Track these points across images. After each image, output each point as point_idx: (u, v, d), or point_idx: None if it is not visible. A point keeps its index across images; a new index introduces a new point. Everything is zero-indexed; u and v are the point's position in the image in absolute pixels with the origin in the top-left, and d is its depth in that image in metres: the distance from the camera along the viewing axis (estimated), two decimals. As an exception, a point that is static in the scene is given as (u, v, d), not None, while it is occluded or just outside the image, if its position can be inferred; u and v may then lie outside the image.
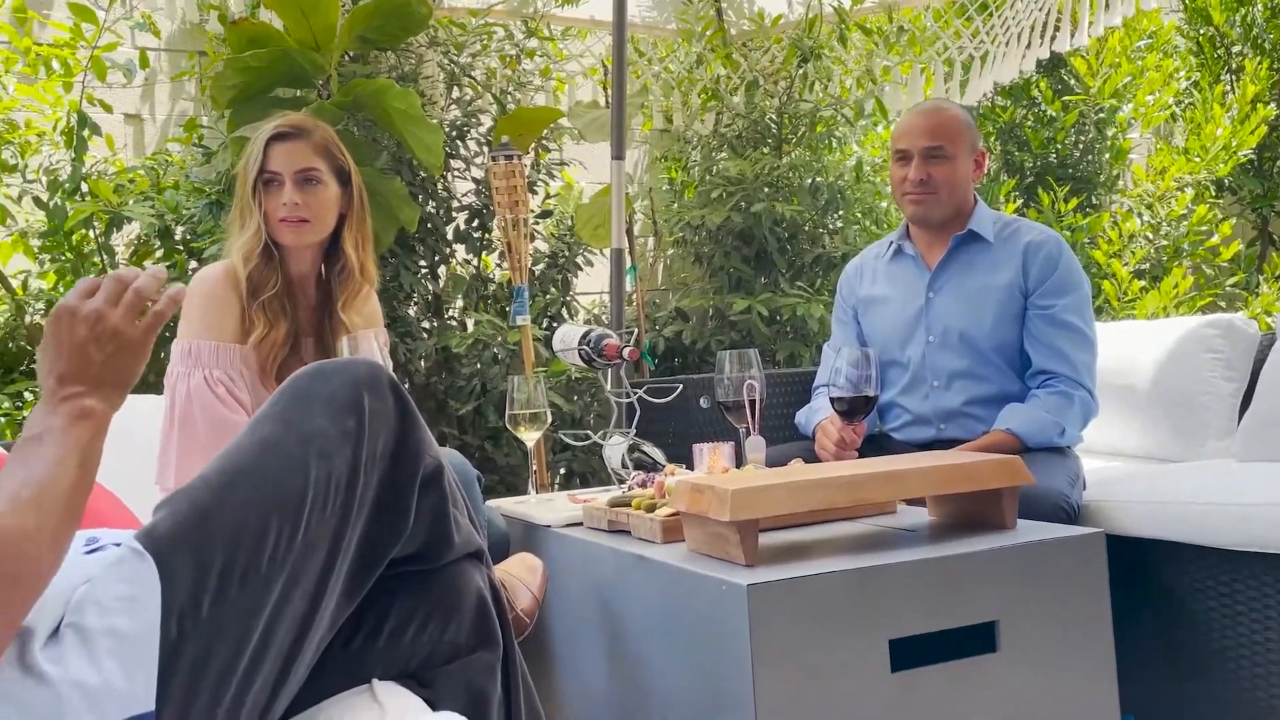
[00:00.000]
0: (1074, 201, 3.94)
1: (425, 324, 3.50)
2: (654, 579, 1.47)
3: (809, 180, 3.69)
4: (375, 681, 1.09)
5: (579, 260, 3.62)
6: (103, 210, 3.07)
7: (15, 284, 3.18)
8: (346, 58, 3.32)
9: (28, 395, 2.87)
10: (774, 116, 3.77)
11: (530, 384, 2.07)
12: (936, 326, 2.30)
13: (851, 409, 2.06)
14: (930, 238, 2.36)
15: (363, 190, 2.12)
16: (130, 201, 3.15)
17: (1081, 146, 4.16)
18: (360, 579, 1.09)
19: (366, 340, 1.83)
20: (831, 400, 2.08)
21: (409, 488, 1.12)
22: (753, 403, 1.97)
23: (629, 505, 1.70)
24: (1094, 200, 4.16)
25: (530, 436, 2.06)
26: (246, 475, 1.02)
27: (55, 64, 3.16)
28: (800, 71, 3.74)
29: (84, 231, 3.14)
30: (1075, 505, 1.97)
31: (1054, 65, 4.17)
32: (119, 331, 0.99)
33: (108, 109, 3.27)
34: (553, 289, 3.57)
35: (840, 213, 3.73)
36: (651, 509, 1.65)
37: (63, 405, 0.97)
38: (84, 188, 3.14)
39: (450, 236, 3.53)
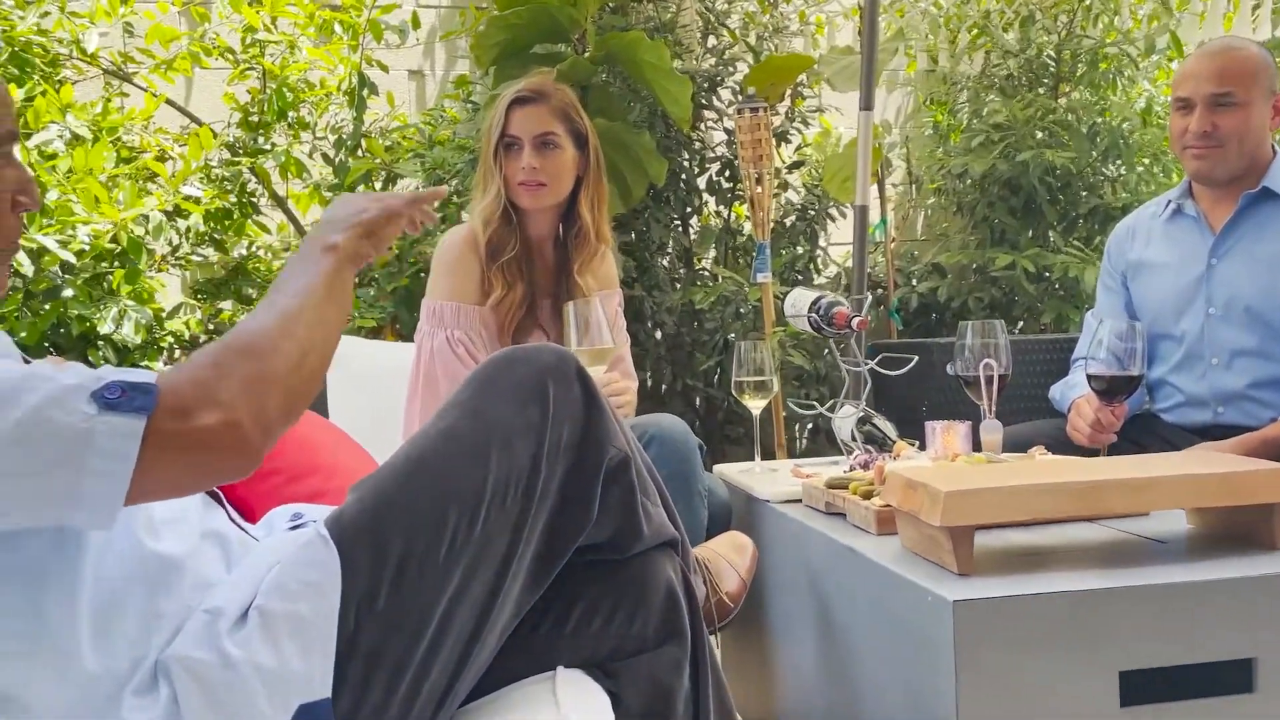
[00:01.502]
0: None
1: (678, 274, 3.52)
2: (863, 574, 1.41)
3: (1089, 123, 3.35)
4: (560, 670, 1.11)
5: (831, 212, 3.50)
6: (379, 167, 3.29)
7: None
8: (607, 9, 3.34)
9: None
10: (1051, 54, 3.44)
11: (758, 350, 2.02)
12: (1219, 297, 2.04)
13: (1111, 388, 1.87)
14: (1216, 196, 2.08)
15: (599, 153, 2.13)
16: (408, 156, 3.35)
17: None
18: (545, 567, 1.10)
19: (594, 307, 1.86)
20: (1089, 377, 1.89)
21: (593, 479, 1.11)
22: (990, 379, 1.83)
23: (847, 488, 1.64)
24: None
25: (755, 405, 2.02)
26: (428, 465, 1.05)
27: (338, 27, 3.40)
28: (1084, 3, 3.38)
29: (366, 185, 3.39)
30: (1382, 515, 1.69)
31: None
32: (383, 197, 1.14)
33: (384, 69, 3.48)
34: (802, 242, 3.48)
35: (1121, 159, 3.37)
36: (868, 495, 1.57)
37: (311, 242, 1.09)
38: (364, 145, 3.38)
39: (702, 187, 3.52)
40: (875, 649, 1.38)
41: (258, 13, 3.29)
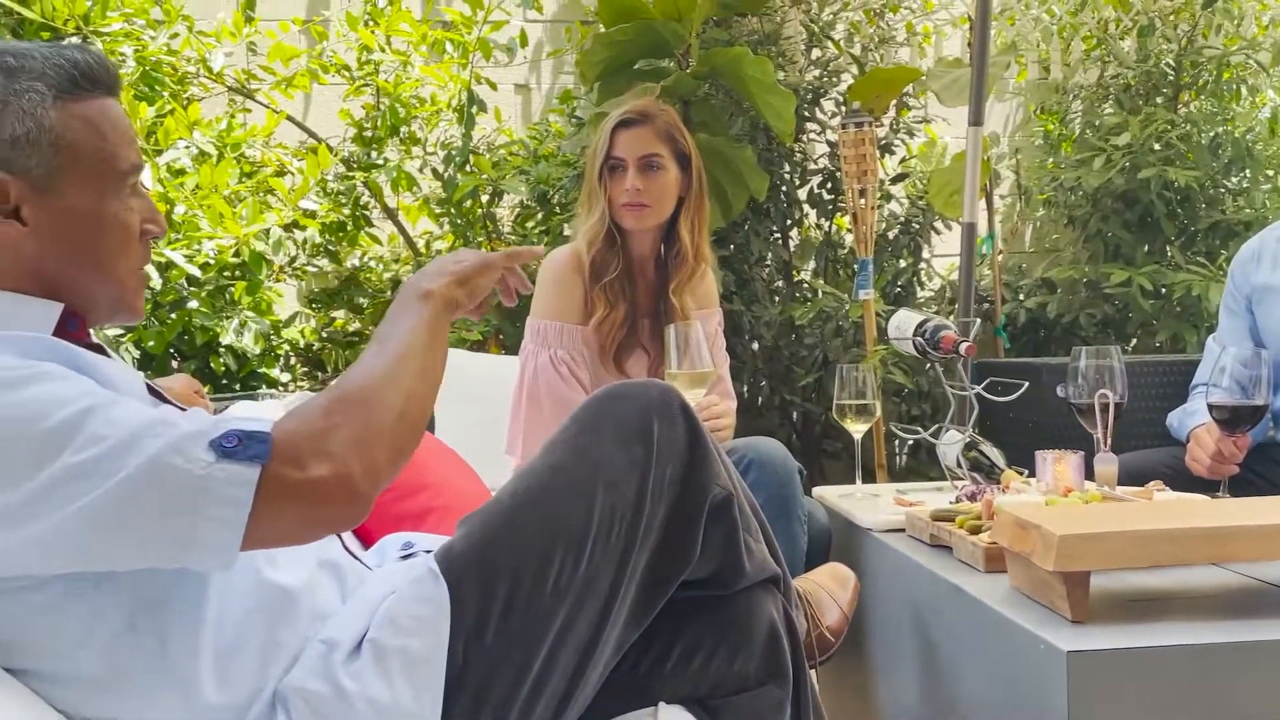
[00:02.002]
0: None
1: (778, 284, 3.50)
2: (969, 614, 1.38)
3: (1210, 134, 3.21)
4: (661, 706, 1.11)
5: (936, 224, 3.44)
6: (485, 182, 3.36)
7: (420, 244, 3.59)
8: (711, 22, 3.35)
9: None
10: (1170, 63, 3.31)
11: (859, 372, 2.00)
12: (1353, 325, 1.94)
13: (1234, 418, 1.80)
14: (1352, 220, 1.98)
15: (702, 174, 2.14)
16: (513, 173, 3.41)
17: None
18: (648, 604, 1.11)
19: (694, 330, 1.86)
20: (1210, 406, 1.83)
21: (696, 516, 1.12)
22: (1105, 408, 1.77)
23: (953, 520, 1.61)
24: None
25: (857, 429, 2.00)
26: (535, 502, 1.07)
27: (449, 46, 3.48)
28: (1206, 10, 3.24)
29: (473, 200, 3.46)
30: None
31: None
32: (476, 249, 1.13)
33: (493, 86, 3.55)
34: (905, 255, 3.43)
35: (1246, 172, 3.23)
36: (976, 530, 1.54)
37: (406, 290, 1.11)
38: (472, 160, 3.45)
39: (803, 199, 3.49)
40: (982, 693, 1.35)
41: (373, 32, 3.39)
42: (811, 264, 3.60)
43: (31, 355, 0.93)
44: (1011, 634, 1.25)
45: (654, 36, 3.13)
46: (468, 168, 3.40)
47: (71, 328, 1.04)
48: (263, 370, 3.25)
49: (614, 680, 1.12)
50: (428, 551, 1.11)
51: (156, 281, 2.92)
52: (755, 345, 3.41)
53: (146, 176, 2.98)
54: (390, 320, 1.08)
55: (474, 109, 3.40)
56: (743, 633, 1.16)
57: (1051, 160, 3.58)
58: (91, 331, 1.11)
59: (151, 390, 1.11)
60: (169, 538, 0.89)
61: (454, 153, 3.42)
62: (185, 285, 3.04)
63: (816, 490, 2.12)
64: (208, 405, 1.97)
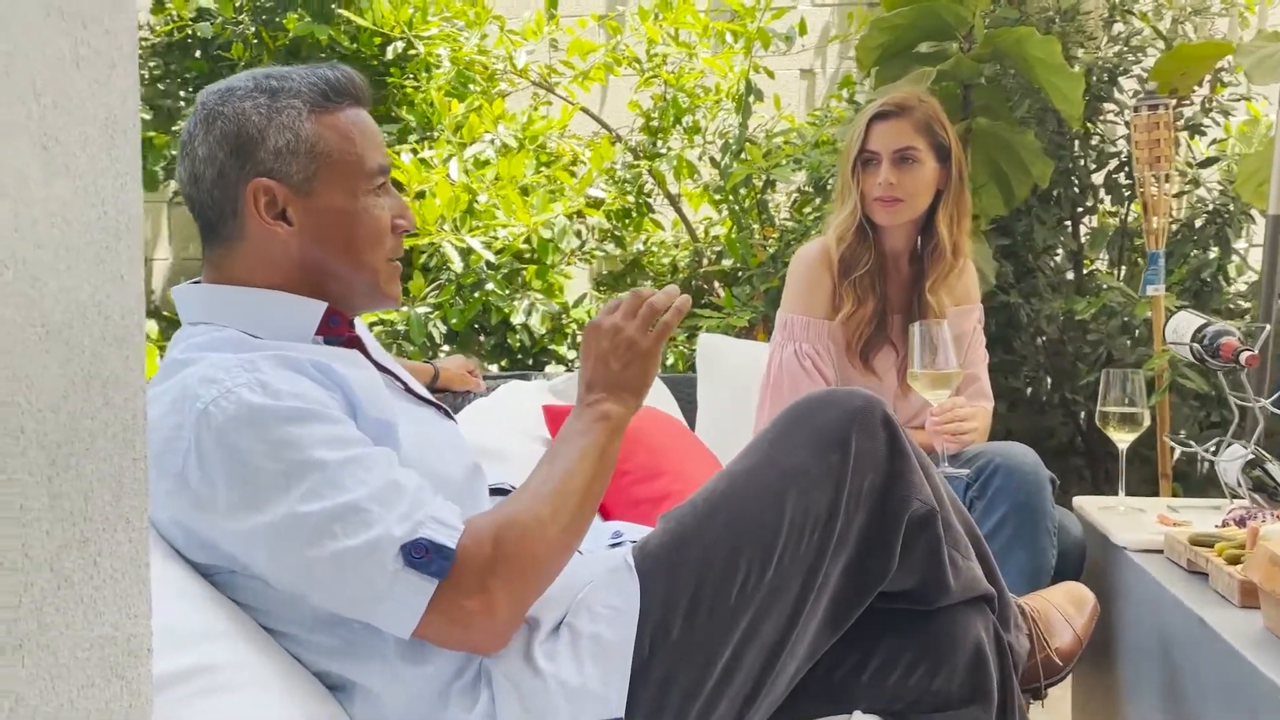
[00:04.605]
0: None
1: (1067, 276, 3.31)
2: (1214, 651, 1.29)
3: None
4: (857, 714, 1.12)
5: (1252, 213, 3.10)
6: (758, 171, 3.41)
7: (699, 230, 3.72)
8: (1004, 1, 3.20)
9: (700, 327, 3.33)
10: None
11: (1127, 379, 1.88)
12: None
13: None
14: None
15: (962, 165, 2.08)
16: (785, 160, 3.44)
17: None
18: (844, 612, 1.12)
19: (942, 329, 1.82)
20: None
21: (894, 528, 1.11)
22: None
23: (1212, 546, 1.50)
24: None
25: (1122, 438, 1.88)
26: (726, 505, 1.10)
27: (729, 36, 3.55)
28: None
29: (748, 189, 3.53)
30: None
31: None
32: (633, 342, 1.14)
33: (770, 75, 3.59)
34: (1212, 246, 3.12)
35: None
36: (1236, 560, 1.43)
37: (586, 411, 1.14)
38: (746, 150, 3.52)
39: (1099, 184, 3.27)
40: (1223, 733, 1.27)
41: (659, 27, 3.53)
42: (1105, 255, 3.37)
43: (294, 369, 1.05)
44: (1255, 682, 1.17)
45: (934, 19, 3.03)
46: (742, 156, 3.47)
47: (333, 323, 1.16)
48: (553, 347, 3.51)
49: (809, 684, 1.14)
50: (633, 542, 1.17)
51: (458, 265, 3.22)
52: (1039, 340, 3.24)
53: (453, 168, 3.29)
54: (567, 439, 1.12)
55: (750, 98, 3.45)
56: (945, 651, 1.15)
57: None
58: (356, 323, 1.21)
59: (408, 388, 1.21)
60: (353, 612, 1.02)
61: (730, 141, 3.50)
62: (484, 269, 3.33)
63: (1076, 500, 2.02)
64: (479, 384, 2.18)
